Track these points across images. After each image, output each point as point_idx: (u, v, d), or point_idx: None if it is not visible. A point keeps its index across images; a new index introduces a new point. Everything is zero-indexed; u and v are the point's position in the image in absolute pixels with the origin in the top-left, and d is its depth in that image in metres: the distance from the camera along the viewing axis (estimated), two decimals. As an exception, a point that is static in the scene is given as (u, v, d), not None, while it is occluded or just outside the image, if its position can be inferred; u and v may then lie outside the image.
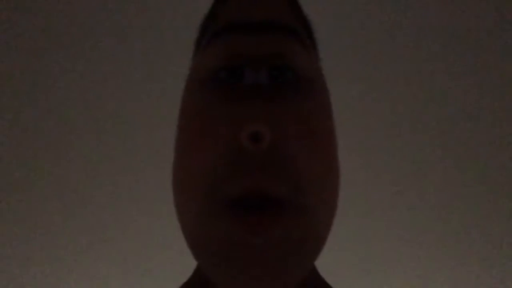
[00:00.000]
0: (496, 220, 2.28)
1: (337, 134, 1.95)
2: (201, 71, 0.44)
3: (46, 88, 1.81)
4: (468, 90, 1.83)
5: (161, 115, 1.93)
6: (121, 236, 2.33)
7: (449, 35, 1.69)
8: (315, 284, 0.46)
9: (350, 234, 2.34)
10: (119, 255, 2.39)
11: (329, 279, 2.43)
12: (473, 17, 1.64)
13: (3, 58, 1.71)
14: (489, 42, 1.70)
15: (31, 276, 2.47)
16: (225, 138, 0.39)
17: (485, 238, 2.35)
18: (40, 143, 1.99)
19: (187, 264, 2.39)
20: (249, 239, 0.36)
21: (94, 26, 1.65)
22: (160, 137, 1.99)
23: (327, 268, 2.41)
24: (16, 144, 1.99)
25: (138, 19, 1.65)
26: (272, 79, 0.43)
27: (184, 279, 2.41)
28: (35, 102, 1.85)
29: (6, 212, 2.22)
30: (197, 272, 0.48)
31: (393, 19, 1.66)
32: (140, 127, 1.96)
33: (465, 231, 2.32)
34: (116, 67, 1.77)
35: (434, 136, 1.99)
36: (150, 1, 1.62)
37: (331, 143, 0.42)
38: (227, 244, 0.37)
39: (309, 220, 0.38)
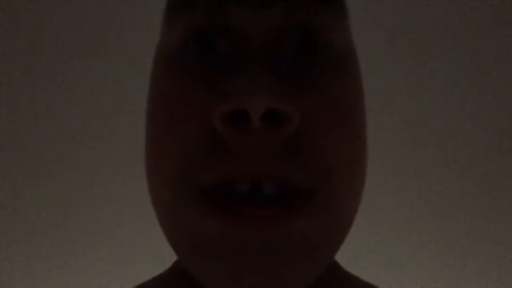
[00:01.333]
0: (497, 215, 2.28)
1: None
2: (168, 42, 0.38)
3: (46, 87, 1.81)
4: (470, 90, 1.83)
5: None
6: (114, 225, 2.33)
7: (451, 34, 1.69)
8: (336, 274, 0.41)
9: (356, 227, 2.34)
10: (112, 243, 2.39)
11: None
12: (473, 15, 1.63)
13: (3, 58, 1.71)
14: (490, 42, 1.70)
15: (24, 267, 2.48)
16: (204, 114, 0.33)
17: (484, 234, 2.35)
18: (38, 140, 1.99)
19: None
20: (242, 235, 0.31)
21: (93, 25, 1.65)
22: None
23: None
24: (14, 142, 1.99)
25: (138, 19, 1.65)
26: (299, 55, 0.35)
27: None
28: (34, 101, 1.85)
29: None
30: (177, 263, 0.43)
31: (393, 19, 1.66)
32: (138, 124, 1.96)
33: (468, 230, 2.32)
34: (116, 66, 1.77)
35: (435, 134, 1.99)
36: (150, 1, 1.61)
37: (361, 124, 0.36)
38: (203, 239, 0.32)
39: (335, 212, 0.34)
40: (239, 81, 0.31)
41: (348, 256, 2.46)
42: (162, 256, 2.49)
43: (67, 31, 1.65)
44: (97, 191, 2.17)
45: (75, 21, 1.62)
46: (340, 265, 0.43)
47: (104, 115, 1.91)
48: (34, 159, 2.03)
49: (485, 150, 2.01)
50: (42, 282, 2.50)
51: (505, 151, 2.01)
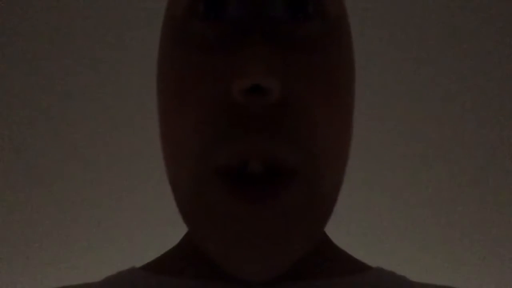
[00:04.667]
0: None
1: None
2: (176, 8, 0.36)
3: (45, 87, 1.81)
4: (472, 90, 1.84)
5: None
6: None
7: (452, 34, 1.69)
8: (329, 251, 0.41)
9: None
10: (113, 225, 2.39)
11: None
12: (475, 16, 1.64)
13: (3, 58, 1.72)
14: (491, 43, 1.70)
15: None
16: (211, 94, 0.33)
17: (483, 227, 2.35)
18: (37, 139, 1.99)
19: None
20: (249, 212, 0.32)
21: (93, 25, 1.65)
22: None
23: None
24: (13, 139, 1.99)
25: (137, 19, 1.65)
26: (290, 13, 0.34)
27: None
28: (35, 100, 1.85)
29: None
30: (186, 238, 0.42)
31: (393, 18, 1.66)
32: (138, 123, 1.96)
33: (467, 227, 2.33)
34: (115, 66, 1.77)
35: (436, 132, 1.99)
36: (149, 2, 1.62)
37: (351, 100, 0.36)
38: (222, 216, 0.33)
39: (320, 190, 0.34)
40: (250, 55, 0.31)
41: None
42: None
43: (67, 31, 1.65)
44: (98, 190, 2.17)
45: (75, 20, 1.63)
46: (333, 241, 0.44)
47: (103, 112, 1.91)
48: (34, 159, 2.04)
49: (485, 149, 2.02)
50: (42, 279, 2.50)
51: (505, 150, 2.02)
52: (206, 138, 0.33)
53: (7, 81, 1.77)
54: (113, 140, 1.99)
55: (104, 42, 1.69)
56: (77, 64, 1.74)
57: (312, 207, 0.34)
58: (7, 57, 1.71)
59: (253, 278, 0.33)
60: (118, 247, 2.40)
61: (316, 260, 0.40)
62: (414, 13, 1.62)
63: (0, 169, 2.05)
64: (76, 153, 2.02)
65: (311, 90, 0.33)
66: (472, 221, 2.28)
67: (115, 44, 1.70)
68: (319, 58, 0.34)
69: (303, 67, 0.33)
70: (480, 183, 2.13)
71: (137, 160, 2.06)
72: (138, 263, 2.50)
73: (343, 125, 0.35)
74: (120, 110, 1.89)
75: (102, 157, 2.04)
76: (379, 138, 1.99)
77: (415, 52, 1.72)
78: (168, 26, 0.37)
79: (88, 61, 1.74)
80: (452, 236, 2.34)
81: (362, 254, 2.44)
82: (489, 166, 2.07)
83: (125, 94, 1.84)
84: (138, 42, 1.70)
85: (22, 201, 2.17)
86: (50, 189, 2.14)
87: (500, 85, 1.80)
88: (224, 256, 0.33)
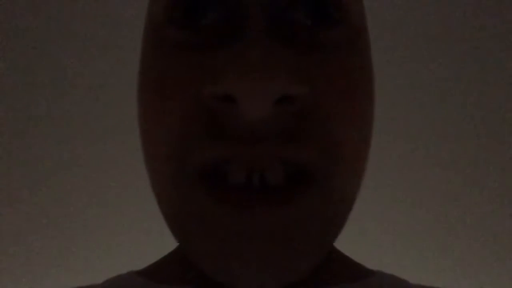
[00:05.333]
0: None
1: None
2: (155, 13, 0.35)
3: (45, 88, 1.82)
4: (470, 89, 1.84)
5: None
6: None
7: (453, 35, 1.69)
8: (332, 256, 0.39)
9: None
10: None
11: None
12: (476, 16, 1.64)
13: (3, 58, 1.72)
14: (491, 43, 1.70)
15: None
16: (191, 96, 0.31)
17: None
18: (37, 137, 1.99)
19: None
20: (244, 219, 0.30)
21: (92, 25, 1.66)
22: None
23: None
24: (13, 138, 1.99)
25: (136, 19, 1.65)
26: (312, 24, 0.32)
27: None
28: (34, 100, 1.85)
29: None
30: (178, 250, 0.40)
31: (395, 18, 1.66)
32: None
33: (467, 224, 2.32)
34: (115, 66, 1.77)
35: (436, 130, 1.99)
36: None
37: (371, 106, 0.34)
38: (210, 222, 0.30)
39: (336, 197, 0.32)
40: (230, 57, 0.29)
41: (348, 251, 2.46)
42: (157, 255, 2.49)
43: (66, 30, 1.65)
44: (96, 190, 2.17)
45: (74, 20, 1.63)
46: (337, 248, 0.42)
47: (101, 115, 1.91)
48: (33, 159, 2.04)
49: (485, 148, 2.02)
50: (42, 280, 2.51)
51: (505, 149, 2.01)
52: (186, 138, 0.31)
53: (6, 81, 1.78)
54: (114, 140, 1.99)
55: (103, 42, 1.69)
56: (77, 64, 1.75)
57: (326, 215, 0.31)
58: (7, 57, 1.71)
59: None
60: (118, 248, 2.40)
61: (320, 267, 0.38)
62: (414, 13, 1.62)
63: (0, 169, 2.06)
64: (76, 153, 2.02)
65: (327, 95, 0.31)
66: (472, 223, 2.28)
67: (114, 44, 1.70)
68: (340, 66, 0.32)
69: (321, 73, 0.31)
70: (480, 184, 2.13)
71: (138, 159, 2.06)
72: (138, 264, 2.51)
73: (362, 131, 0.33)
74: (120, 110, 1.89)
75: (103, 158, 2.04)
76: (378, 138, 1.99)
77: (415, 51, 1.72)
78: (148, 29, 0.36)
79: (88, 60, 1.74)
80: (452, 238, 2.34)
81: (362, 256, 2.44)
82: (490, 166, 2.07)
83: (127, 94, 1.85)
84: (135, 43, 1.70)
85: (22, 202, 2.18)
86: (50, 190, 2.14)
87: (500, 85, 1.80)
88: (218, 267, 0.31)
